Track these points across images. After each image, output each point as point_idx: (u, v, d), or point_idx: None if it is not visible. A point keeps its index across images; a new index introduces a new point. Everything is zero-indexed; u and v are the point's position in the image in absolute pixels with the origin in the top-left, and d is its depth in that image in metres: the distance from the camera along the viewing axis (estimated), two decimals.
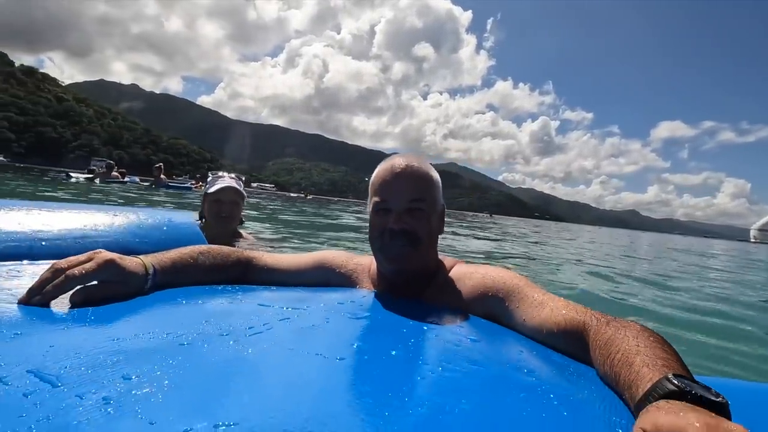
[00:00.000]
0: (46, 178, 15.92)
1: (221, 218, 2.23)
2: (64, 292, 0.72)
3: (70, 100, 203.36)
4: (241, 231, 2.44)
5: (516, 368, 0.62)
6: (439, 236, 1.04)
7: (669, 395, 0.46)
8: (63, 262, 0.74)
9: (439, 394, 0.51)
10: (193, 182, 18.67)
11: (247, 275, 1.03)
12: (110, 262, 0.76)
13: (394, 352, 0.61)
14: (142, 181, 15.69)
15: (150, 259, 0.86)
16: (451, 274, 1.00)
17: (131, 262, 0.81)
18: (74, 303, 0.71)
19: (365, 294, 0.96)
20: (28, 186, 10.25)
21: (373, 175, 1.01)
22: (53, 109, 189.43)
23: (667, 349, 0.58)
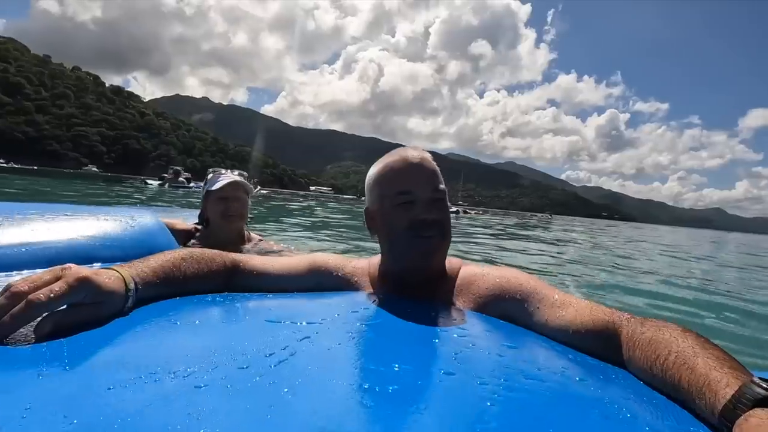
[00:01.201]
0: (129, 186, 17.78)
1: (228, 217, 1.99)
2: (27, 323, 0.56)
3: (150, 115, 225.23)
4: (249, 232, 2.23)
5: (569, 379, 0.59)
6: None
7: (762, 402, 0.43)
8: (22, 284, 0.57)
9: (522, 422, 0.45)
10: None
11: (234, 281, 0.94)
12: (84, 281, 0.61)
13: (443, 371, 0.55)
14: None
15: (129, 271, 0.72)
16: (462, 274, 0.96)
17: (109, 277, 0.66)
18: (40, 336, 0.55)
19: (373, 298, 0.90)
20: (116, 191, 11.49)
21: (377, 170, 0.97)
22: (137, 123, 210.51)
23: (721, 351, 0.55)
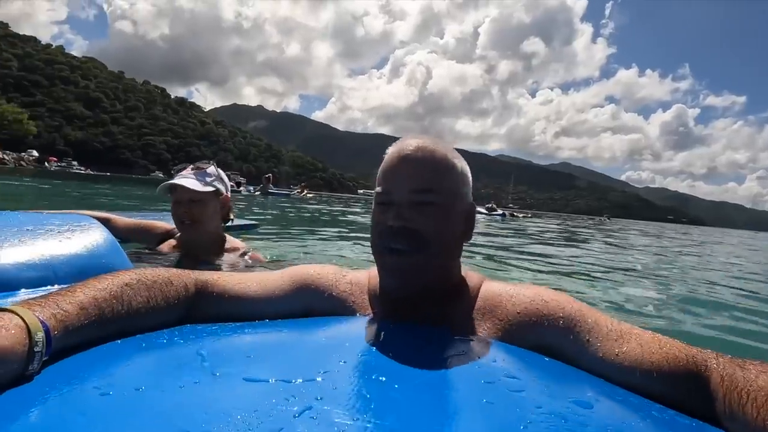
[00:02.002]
0: None
1: (182, 225, 1.76)
2: None
3: (210, 123, 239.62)
4: (230, 236, 1.95)
5: None
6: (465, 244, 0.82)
7: None
8: None
9: None
10: (298, 189, 20.43)
11: (198, 308, 0.73)
12: None
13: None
14: (255, 190, 17.85)
15: (40, 312, 0.50)
16: (483, 294, 0.78)
17: (1, 327, 0.44)
18: None
19: (375, 325, 0.72)
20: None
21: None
22: (198, 131, 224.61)
23: None
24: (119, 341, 0.57)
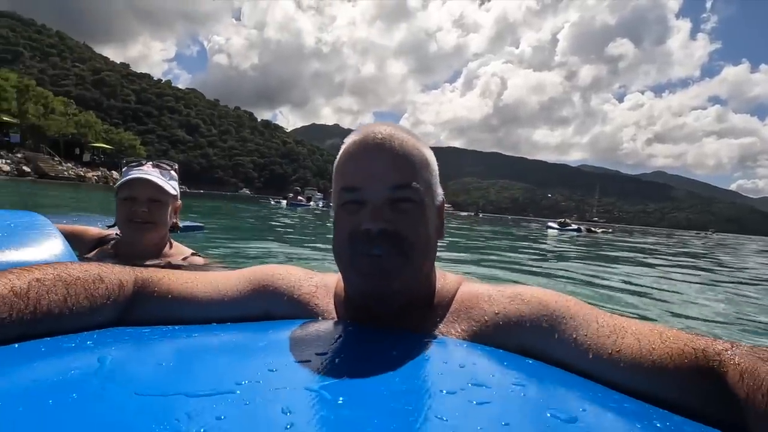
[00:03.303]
0: (262, 205, 20.58)
1: (133, 224, 1.54)
2: None
3: (291, 143, 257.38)
4: (176, 243, 1.76)
5: None
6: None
7: None
8: None
9: None
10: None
11: (135, 310, 0.64)
12: None
13: None
14: (323, 204, 19.01)
15: None
16: (460, 297, 0.72)
17: None
18: None
19: (335, 331, 0.64)
20: (254, 210, 13.28)
21: (339, 154, 0.71)
22: (280, 151, 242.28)
23: None
24: (16, 345, 0.50)
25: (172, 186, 1.64)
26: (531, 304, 0.65)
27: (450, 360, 0.56)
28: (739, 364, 0.44)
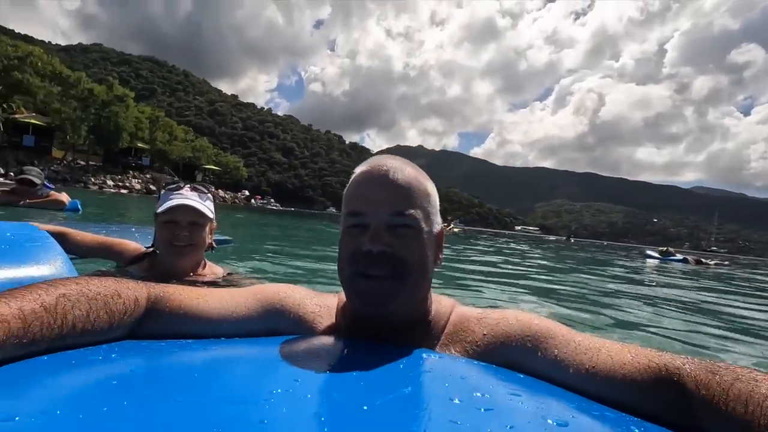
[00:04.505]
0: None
1: (175, 248, 1.61)
2: None
3: None
4: (211, 264, 1.84)
5: None
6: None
7: None
8: None
9: None
10: (444, 224, 20.32)
11: (147, 325, 0.67)
12: None
13: None
14: None
15: None
16: (453, 319, 0.78)
17: None
18: None
19: (340, 343, 0.69)
20: (333, 226, 13.95)
21: (349, 182, 0.78)
22: None
23: None
24: (45, 357, 0.52)
25: (209, 208, 1.69)
26: (515, 325, 0.71)
27: (452, 372, 0.61)
28: (696, 375, 0.53)
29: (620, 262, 12.87)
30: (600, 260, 13.29)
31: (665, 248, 19.13)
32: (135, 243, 1.91)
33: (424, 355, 0.66)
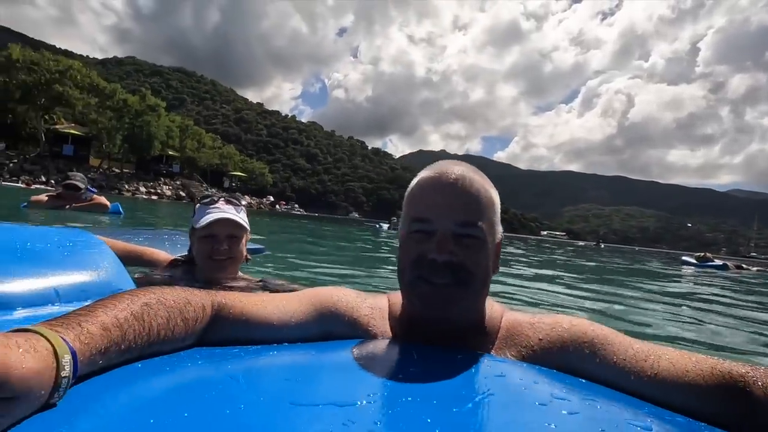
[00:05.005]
0: (366, 228, 21.48)
1: (215, 262, 1.62)
2: None
3: (399, 169, 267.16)
4: (245, 275, 1.84)
5: None
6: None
7: None
8: None
9: None
10: None
11: (214, 331, 0.68)
12: None
13: None
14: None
15: (64, 333, 0.45)
16: (505, 324, 0.77)
17: (26, 350, 0.39)
18: None
19: (402, 351, 0.69)
20: (352, 232, 14.10)
21: (411, 184, 0.77)
22: (388, 177, 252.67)
23: None
24: (139, 364, 0.53)
25: (244, 220, 1.70)
26: (571, 331, 0.71)
27: (523, 377, 0.60)
28: (763, 384, 0.52)
29: (654, 269, 12.40)
30: (632, 268, 12.82)
31: (702, 253, 18.23)
32: (165, 252, 1.94)
33: (488, 361, 0.65)
